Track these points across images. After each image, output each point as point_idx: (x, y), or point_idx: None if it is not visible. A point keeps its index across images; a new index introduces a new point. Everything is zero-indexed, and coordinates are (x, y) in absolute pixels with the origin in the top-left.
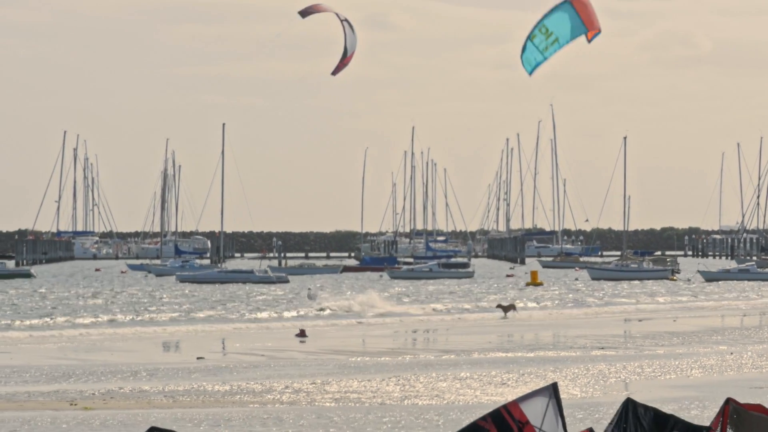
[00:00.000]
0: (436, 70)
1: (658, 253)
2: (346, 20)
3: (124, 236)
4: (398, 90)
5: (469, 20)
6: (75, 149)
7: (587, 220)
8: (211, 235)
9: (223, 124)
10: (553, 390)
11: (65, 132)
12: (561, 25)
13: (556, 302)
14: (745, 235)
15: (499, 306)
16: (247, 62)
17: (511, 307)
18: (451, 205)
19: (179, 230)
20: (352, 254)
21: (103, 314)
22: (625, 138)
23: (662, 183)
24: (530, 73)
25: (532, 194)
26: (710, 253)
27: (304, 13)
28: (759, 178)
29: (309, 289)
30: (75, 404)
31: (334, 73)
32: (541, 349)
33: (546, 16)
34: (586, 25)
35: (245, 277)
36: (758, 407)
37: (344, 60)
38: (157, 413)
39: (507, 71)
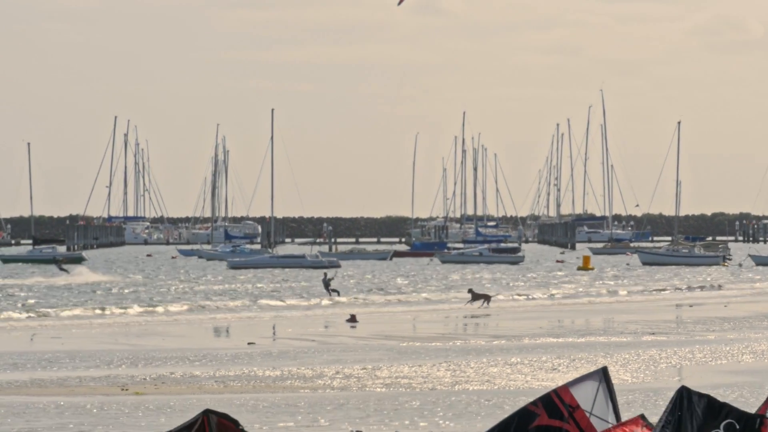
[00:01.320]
0: (487, 55)
1: (710, 238)
2: None
3: (174, 221)
4: (449, 75)
5: (519, 5)
6: (126, 134)
7: (637, 206)
8: (261, 220)
9: (272, 110)
10: (603, 374)
11: (116, 117)
12: None
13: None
14: None
15: (470, 291)
16: (297, 47)
17: (484, 297)
18: (502, 191)
19: (230, 215)
20: (403, 240)
21: (155, 299)
22: (679, 123)
23: (713, 168)
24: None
25: (583, 179)
26: (761, 239)
27: None
28: None
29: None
30: (126, 389)
31: (400, 2)
32: (592, 334)
33: None
34: None
35: (296, 262)
36: None
37: None
38: (208, 398)
39: (558, 56)
